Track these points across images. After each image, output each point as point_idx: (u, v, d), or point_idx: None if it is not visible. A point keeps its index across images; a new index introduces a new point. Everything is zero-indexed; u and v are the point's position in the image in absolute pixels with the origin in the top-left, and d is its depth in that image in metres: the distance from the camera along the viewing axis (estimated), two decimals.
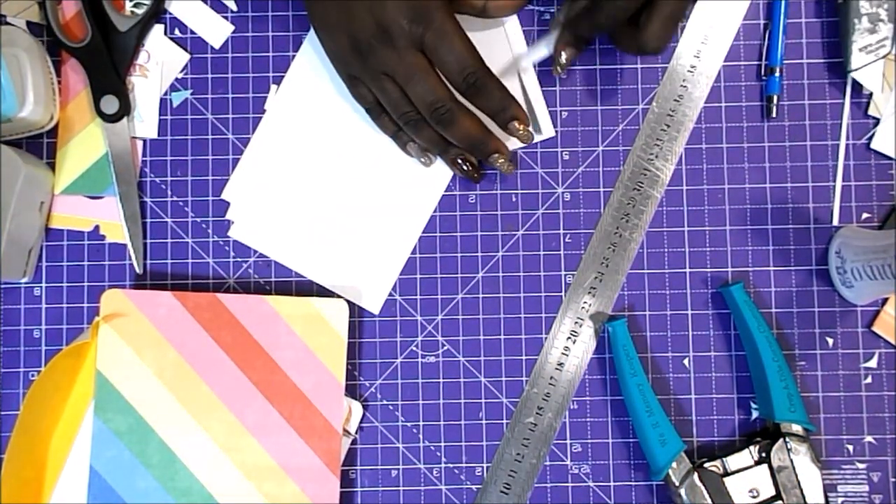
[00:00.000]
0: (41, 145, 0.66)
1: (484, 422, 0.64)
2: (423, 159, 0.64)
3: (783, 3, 0.64)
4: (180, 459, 0.61)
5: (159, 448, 0.61)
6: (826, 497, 0.60)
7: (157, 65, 0.66)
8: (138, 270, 0.64)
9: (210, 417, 0.61)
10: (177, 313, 0.62)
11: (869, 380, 0.64)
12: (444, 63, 0.59)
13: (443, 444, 0.64)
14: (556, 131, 0.65)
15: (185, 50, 0.66)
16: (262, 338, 0.62)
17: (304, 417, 0.61)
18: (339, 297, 0.64)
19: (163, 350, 0.62)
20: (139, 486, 0.61)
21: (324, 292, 0.64)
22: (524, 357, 0.64)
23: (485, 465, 0.64)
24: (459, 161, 0.63)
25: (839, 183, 0.65)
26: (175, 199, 0.65)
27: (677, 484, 0.60)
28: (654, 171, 0.64)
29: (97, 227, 0.65)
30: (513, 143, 0.63)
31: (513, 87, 0.64)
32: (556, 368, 0.64)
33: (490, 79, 0.59)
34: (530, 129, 0.61)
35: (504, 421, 0.64)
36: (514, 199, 0.65)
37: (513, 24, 0.65)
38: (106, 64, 0.64)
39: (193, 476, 0.61)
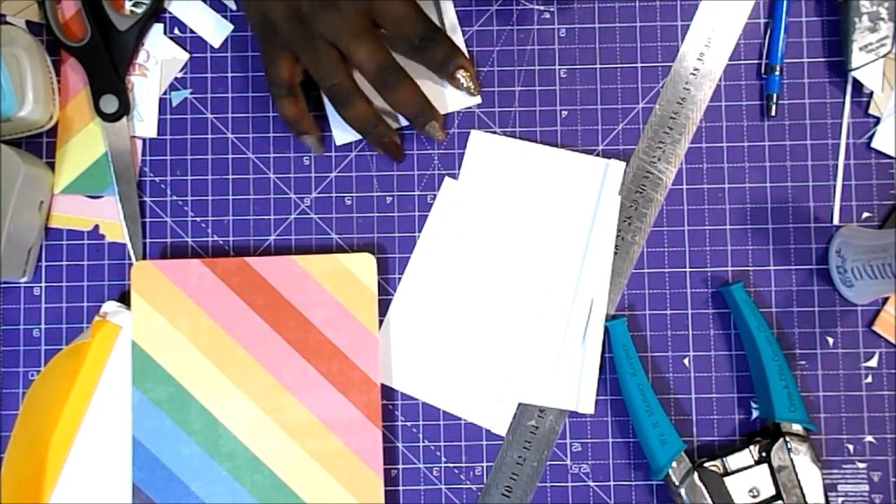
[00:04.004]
0: (41, 145, 0.66)
1: None
2: (314, 148, 0.64)
3: (784, 1, 0.64)
4: (222, 424, 0.61)
5: (200, 414, 0.61)
6: (826, 497, 0.60)
7: (157, 64, 0.66)
8: None
9: (248, 380, 0.62)
10: (207, 280, 0.62)
11: (869, 379, 0.64)
12: (397, 23, 0.60)
13: (443, 443, 0.64)
14: (556, 130, 0.65)
15: (185, 49, 0.66)
16: (293, 297, 0.62)
17: (341, 372, 0.62)
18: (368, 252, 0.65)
19: (196, 317, 0.62)
20: (183, 453, 0.61)
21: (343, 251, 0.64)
22: None
23: (485, 465, 0.64)
24: (385, 140, 0.63)
25: (839, 182, 0.64)
26: (175, 198, 0.65)
27: (677, 483, 0.60)
28: (656, 174, 0.64)
29: (97, 227, 0.65)
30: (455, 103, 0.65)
31: None
32: None
33: (438, 32, 0.62)
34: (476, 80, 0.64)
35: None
36: None
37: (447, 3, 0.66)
38: (105, 63, 0.64)
39: (237, 439, 0.61)
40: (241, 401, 0.62)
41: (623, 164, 0.63)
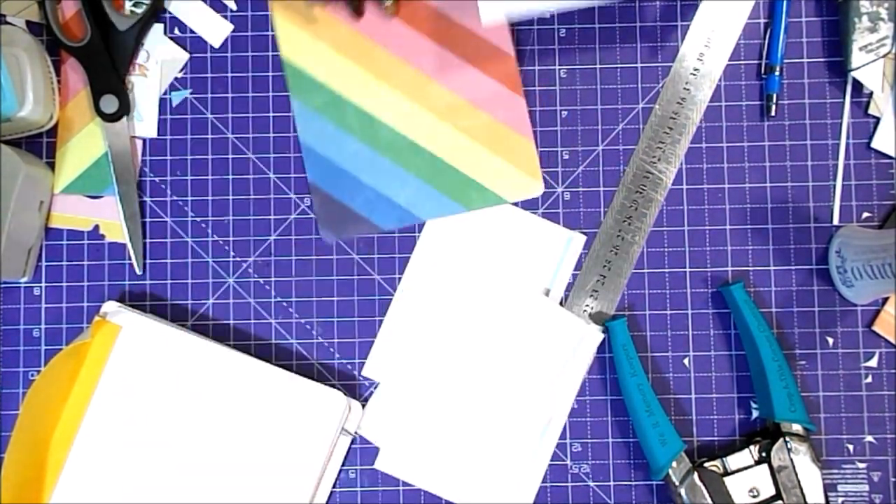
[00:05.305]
0: (41, 145, 0.66)
1: None
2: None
3: (784, 2, 0.64)
4: (378, 119, 0.65)
5: (356, 114, 0.65)
6: (826, 497, 0.60)
7: (157, 64, 0.66)
8: (138, 271, 0.64)
9: (394, 75, 0.65)
10: None
11: (869, 379, 0.64)
12: None
13: None
14: (556, 130, 0.65)
15: (185, 49, 0.66)
16: None
17: (477, 51, 0.64)
18: None
19: (336, 28, 0.64)
20: (348, 150, 0.65)
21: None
22: None
23: None
24: None
25: (839, 182, 0.64)
26: (175, 198, 0.65)
27: (677, 483, 0.60)
28: (656, 174, 0.64)
29: (97, 227, 0.65)
30: None
31: None
32: None
33: None
34: None
35: None
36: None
37: None
38: (105, 63, 0.64)
39: (394, 129, 0.65)
40: (391, 95, 0.65)
41: (602, 335, 0.63)
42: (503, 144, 0.65)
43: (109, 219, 0.65)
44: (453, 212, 0.64)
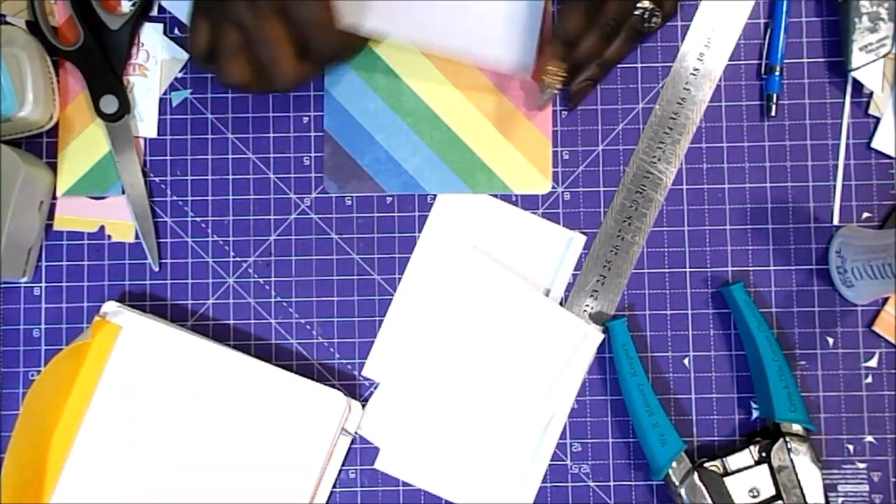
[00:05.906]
0: (41, 145, 0.66)
1: None
2: None
3: (784, 2, 0.64)
4: (405, 82, 0.66)
5: (385, 74, 0.66)
6: (826, 497, 0.60)
7: (157, 64, 0.66)
8: (155, 268, 0.64)
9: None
10: None
11: (869, 379, 0.64)
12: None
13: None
14: (557, 130, 0.65)
15: (185, 49, 0.66)
16: None
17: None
18: None
19: None
20: (370, 107, 0.66)
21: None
22: None
23: None
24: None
25: (839, 182, 0.64)
26: (175, 198, 0.65)
27: (677, 484, 0.60)
28: (656, 174, 0.64)
29: (102, 228, 0.65)
30: None
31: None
32: None
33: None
34: None
35: None
36: (513, 199, 0.65)
37: None
38: (101, 64, 0.64)
39: (419, 96, 0.66)
40: (423, 63, 0.65)
41: (602, 335, 0.63)
42: (521, 137, 0.65)
43: (114, 219, 0.65)
44: (458, 190, 0.65)
